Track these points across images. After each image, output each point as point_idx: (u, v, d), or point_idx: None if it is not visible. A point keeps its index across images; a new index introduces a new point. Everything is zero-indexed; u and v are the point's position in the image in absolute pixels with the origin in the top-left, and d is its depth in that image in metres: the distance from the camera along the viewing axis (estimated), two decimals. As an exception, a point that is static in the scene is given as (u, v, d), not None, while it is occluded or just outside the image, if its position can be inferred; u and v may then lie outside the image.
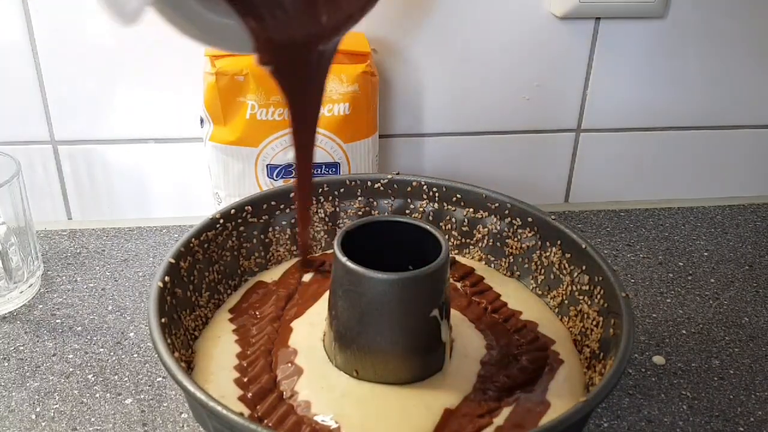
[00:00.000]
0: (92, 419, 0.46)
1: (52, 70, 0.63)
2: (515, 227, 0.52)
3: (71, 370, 0.50)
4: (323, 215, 0.55)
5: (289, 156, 0.59)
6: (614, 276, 0.44)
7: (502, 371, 0.43)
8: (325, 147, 0.59)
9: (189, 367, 0.43)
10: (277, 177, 0.60)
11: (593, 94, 0.68)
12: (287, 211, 0.54)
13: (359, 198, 0.55)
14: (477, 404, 0.40)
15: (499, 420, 0.39)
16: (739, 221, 0.70)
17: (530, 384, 0.42)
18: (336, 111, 0.58)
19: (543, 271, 0.51)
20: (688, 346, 0.53)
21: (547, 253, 0.50)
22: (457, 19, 0.64)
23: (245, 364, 0.43)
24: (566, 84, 0.68)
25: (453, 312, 0.45)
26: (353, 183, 0.55)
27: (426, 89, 0.67)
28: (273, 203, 0.53)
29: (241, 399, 0.41)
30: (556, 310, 0.49)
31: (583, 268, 0.47)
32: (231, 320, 0.48)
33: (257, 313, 0.48)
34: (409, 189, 0.55)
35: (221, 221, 0.50)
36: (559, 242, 0.49)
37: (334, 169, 0.60)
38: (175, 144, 0.67)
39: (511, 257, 0.53)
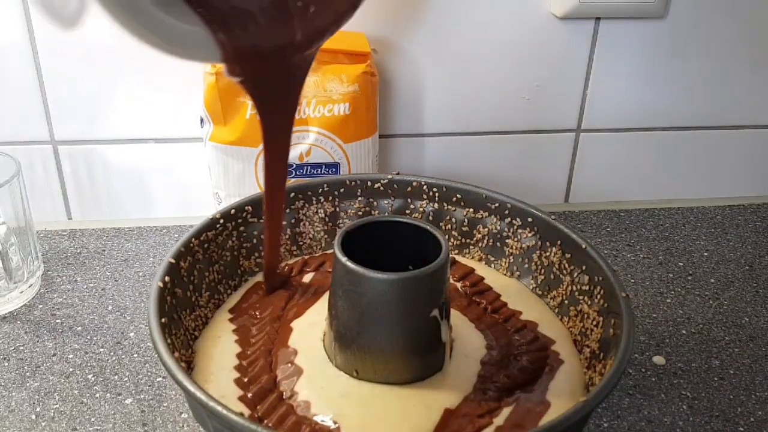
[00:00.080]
0: (92, 419, 0.46)
1: (52, 70, 0.63)
2: (515, 227, 0.52)
3: (71, 370, 0.50)
4: (323, 215, 0.55)
5: (289, 156, 0.59)
6: (614, 276, 0.44)
7: (502, 371, 0.43)
8: (325, 147, 0.59)
9: (189, 367, 0.43)
10: (277, 177, 0.60)
11: (593, 94, 0.69)
12: (287, 210, 0.54)
13: (359, 198, 0.55)
14: (477, 404, 0.40)
15: (499, 420, 0.39)
16: (739, 221, 0.70)
17: (530, 384, 0.42)
18: (336, 111, 0.58)
19: (543, 271, 0.51)
20: (688, 346, 0.53)
21: (547, 253, 0.50)
22: (457, 20, 0.64)
23: (245, 364, 0.43)
24: (566, 84, 0.68)
25: (453, 312, 0.45)
26: (353, 183, 0.55)
27: (426, 89, 0.67)
28: (273, 203, 0.53)
29: (242, 399, 0.41)
30: (556, 310, 0.49)
31: (583, 268, 0.47)
32: (231, 320, 0.48)
33: (257, 313, 0.48)
34: (409, 189, 0.55)
35: (221, 221, 0.50)
36: (559, 242, 0.49)
37: (334, 169, 0.60)
38: (175, 144, 0.67)
39: (511, 257, 0.53)
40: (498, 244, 0.53)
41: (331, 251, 0.47)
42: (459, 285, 0.51)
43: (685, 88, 0.69)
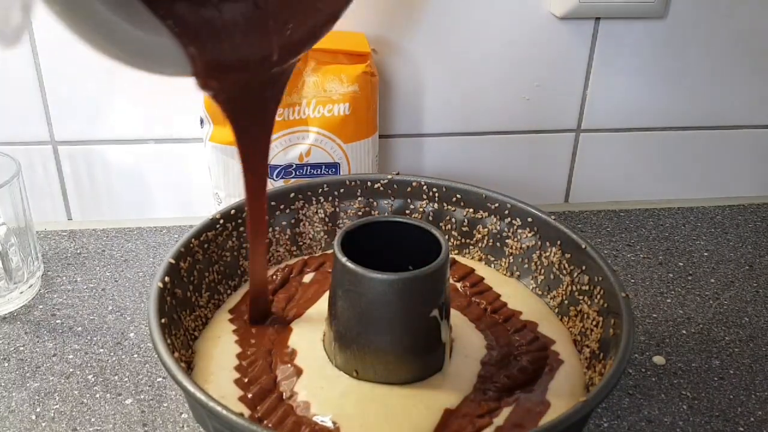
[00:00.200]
0: (92, 419, 0.46)
1: (52, 70, 0.63)
2: (515, 227, 0.52)
3: (71, 370, 0.50)
4: (323, 215, 0.55)
5: (289, 156, 0.59)
6: (614, 276, 0.44)
7: (502, 371, 0.43)
8: (325, 147, 0.59)
9: (189, 368, 0.43)
10: (277, 177, 0.60)
11: (593, 94, 0.68)
12: (287, 211, 0.54)
13: (359, 198, 0.55)
14: (477, 404, 0.40)
15: (499, 420, 0.39)
16: (739, 221, 0.70)
17: (530, 384, 0.42)
18: (336, 111, 0.58)
19: (543, 271, 0.51)
20: (688, 346, 0.53)
21: (547, 253, 0.50)
22: (457, 20, 0.64)
23: (245, 365, 0.43)
24: (566, 84, 0.68)
25: (453, 312, 0.45)
26: (353, 183, 0.55)
27: (426, 89, 0.67)
28: (273, 203, 0.53)
29: (242, 399, 0.41)
30: (556, 310, 0.49)
31: (583, 268, 0.47)
32: (231, 320, 0.48)
33: (257, 313, 0.48)
34: (409, 189, 0.55)
35: (221, 221, 0.50)
36: (559, 242, 0.49)
37: (334, 170, 0.60)
38: (175, 144, 0.67)
39: (511, 257, 0.53)
40: (498, 244, 0.53)
41: (331, 251, 0.47)
42: (459, 285, 0.51)
43: (685, 88, 0.69)
